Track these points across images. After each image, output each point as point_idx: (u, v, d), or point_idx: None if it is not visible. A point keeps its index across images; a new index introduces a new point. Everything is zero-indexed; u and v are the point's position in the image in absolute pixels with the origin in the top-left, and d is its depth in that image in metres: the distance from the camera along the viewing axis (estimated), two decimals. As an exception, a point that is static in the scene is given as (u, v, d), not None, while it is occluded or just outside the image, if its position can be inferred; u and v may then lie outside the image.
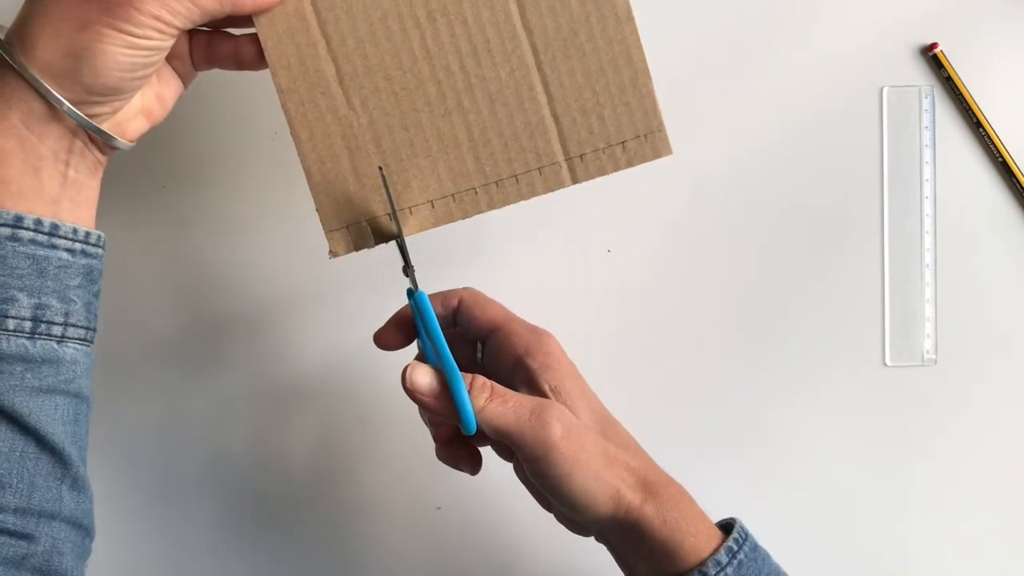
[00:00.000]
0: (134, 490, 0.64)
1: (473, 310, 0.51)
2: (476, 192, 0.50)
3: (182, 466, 0.64)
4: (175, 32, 0.44)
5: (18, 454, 0.43)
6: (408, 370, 0.47)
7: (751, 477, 0.64)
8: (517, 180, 0.50)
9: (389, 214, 0.49)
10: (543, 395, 0.48)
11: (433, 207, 0.49)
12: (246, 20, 0.47)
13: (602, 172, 0.50)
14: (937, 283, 0.65)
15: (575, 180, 0.50)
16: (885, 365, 0.65)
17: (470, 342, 0.53)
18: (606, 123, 0.49)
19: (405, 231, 0.49)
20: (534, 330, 0.50)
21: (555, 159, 0.50)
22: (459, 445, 0.52)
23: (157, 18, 0.42)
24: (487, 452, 0.52)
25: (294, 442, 0.64)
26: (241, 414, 0.64)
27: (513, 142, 0.49)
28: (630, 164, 0.50)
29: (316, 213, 0.49)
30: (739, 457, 0.64)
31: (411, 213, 0.49)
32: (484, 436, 0.47)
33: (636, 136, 0.50)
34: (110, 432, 0.63)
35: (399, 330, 0.51)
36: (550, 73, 0.49)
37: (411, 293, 0.50)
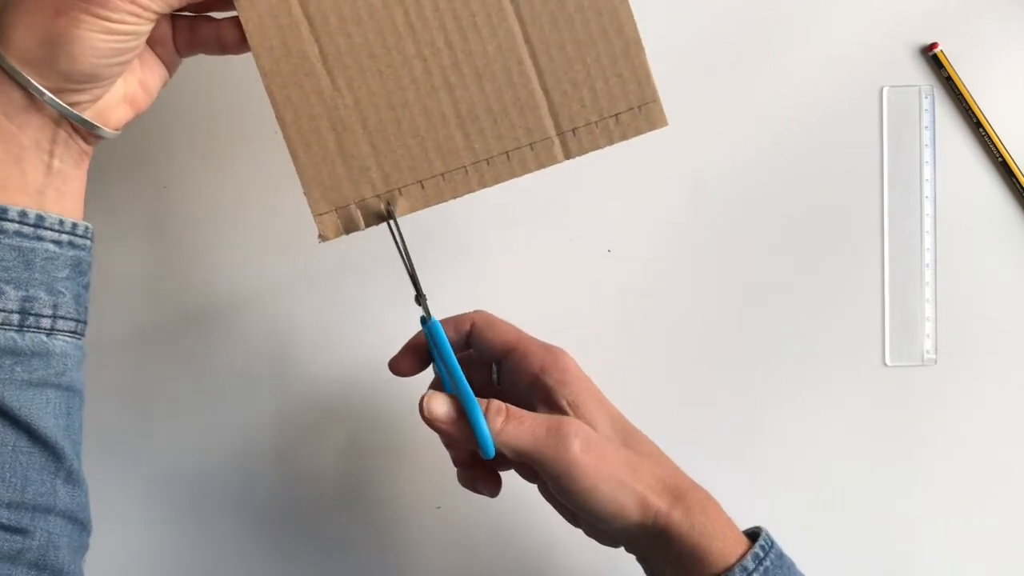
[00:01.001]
0: (142, 488, 0.64)
1: (486, 332, 0.51)
2: (466, 170, 0.49)
3: (187, 466, 0.64)
4: (153, 17, 0.43)
5: (10, 448, 0.43)
6: (425, 400, 0.48)
7: (751, 477, 0.64)
8: (508, 157, 0.49)
9: (379, 195, 0.48)
10: (561, 411, 0.48)
11: (423, 187, 0.49)
12: (227, 3, 0.47)
13: (595, 146, 0.49)
14: (937, 283, 0.65)
15: (568, 155, 0.49)
16: (885, 365, 0.65)
17: (486, 363, 0.53)
18: (598, 95, 0.48)
19: (396, 213, 0.49)
20: (548, 348, 0.50)
21: (547, 134, 0.49)
22: (479, 468, 0.52)
23: (133, 2, 0.42)
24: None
25: (292, 442, 0.64)
26: (239, 413, 0.64)
27: (503, 118, 0.48)
28: (624, 137, 0.49)
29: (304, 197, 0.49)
30: (739, 457, 0.64)
31: (400, 194, 0.48)
32: (505, 459, 0.48)
33: (630, 108, 0.49)
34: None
35: (414, 356, 0.52)
36: (538, 46, 0.48)
37: (424, 321, 0.50)
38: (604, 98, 0.48)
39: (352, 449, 0.64)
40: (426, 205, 0.49)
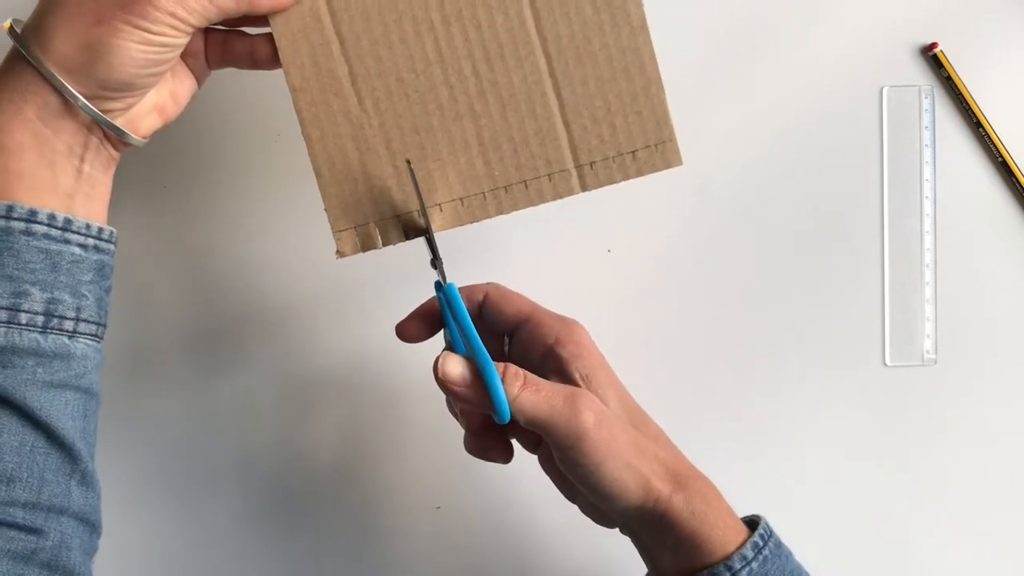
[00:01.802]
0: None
1: (500, 303, 0.51)
2: (485, 197, 0.49)
3: (192, 461, 0.64)
4: (190, 30, 0.44)
5: (28, 448, 0.43)
6: (440, 360, 0.47)
7: (750, 477, 0.64)
8: (526, 186, 0.49)
9: (397, 216, 0.49)
10: (574, 384, 0.48)
11: (441, 210, 0.49)
12: (261, 19, 0.48)
13: (611, 180, 0.50)
14: (937, 283, 0.65)
15: (584, 188, 0.50)
16: (885, 365, 0.65)
17: (497, 336, 0.53)
18: (617, 132, 0.49)
19: (412, 234, 0.49)
20: (563, 320, 0.51)
21: (565, 166, 0.49)
22: (492, 436, 0.52)
23: (173, 15, 0.43)
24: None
25: (292, 444, 0.64)
26: (237, 412, 0.64)
27: (523, 148, 0.49)
28: (640, 173, 0.50)
29: (325, 213, 0.49)
30: (739, 457, 0.64)
31: (419, 217, 0.49)
32: (513, 426, 0.47)
33: (647, 145, 0.50)
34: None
35: (423, 322, 0.51)
36: (562, 80, 0.49)
37: (439, 286, 0.49)
38: (623, 134, 0.49)
39: (352, 449, 0.64)
40: (443, 228, 0.50)
